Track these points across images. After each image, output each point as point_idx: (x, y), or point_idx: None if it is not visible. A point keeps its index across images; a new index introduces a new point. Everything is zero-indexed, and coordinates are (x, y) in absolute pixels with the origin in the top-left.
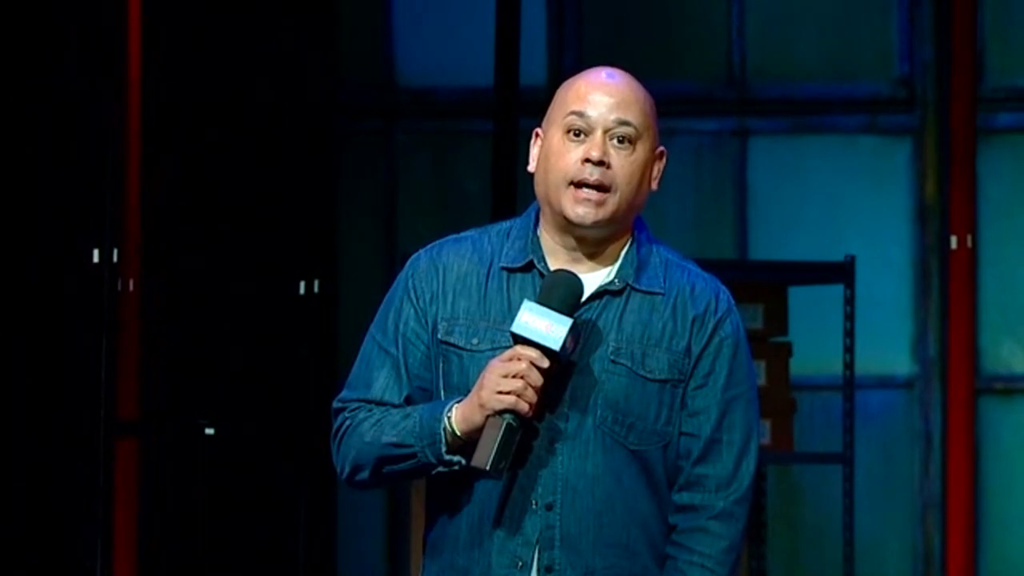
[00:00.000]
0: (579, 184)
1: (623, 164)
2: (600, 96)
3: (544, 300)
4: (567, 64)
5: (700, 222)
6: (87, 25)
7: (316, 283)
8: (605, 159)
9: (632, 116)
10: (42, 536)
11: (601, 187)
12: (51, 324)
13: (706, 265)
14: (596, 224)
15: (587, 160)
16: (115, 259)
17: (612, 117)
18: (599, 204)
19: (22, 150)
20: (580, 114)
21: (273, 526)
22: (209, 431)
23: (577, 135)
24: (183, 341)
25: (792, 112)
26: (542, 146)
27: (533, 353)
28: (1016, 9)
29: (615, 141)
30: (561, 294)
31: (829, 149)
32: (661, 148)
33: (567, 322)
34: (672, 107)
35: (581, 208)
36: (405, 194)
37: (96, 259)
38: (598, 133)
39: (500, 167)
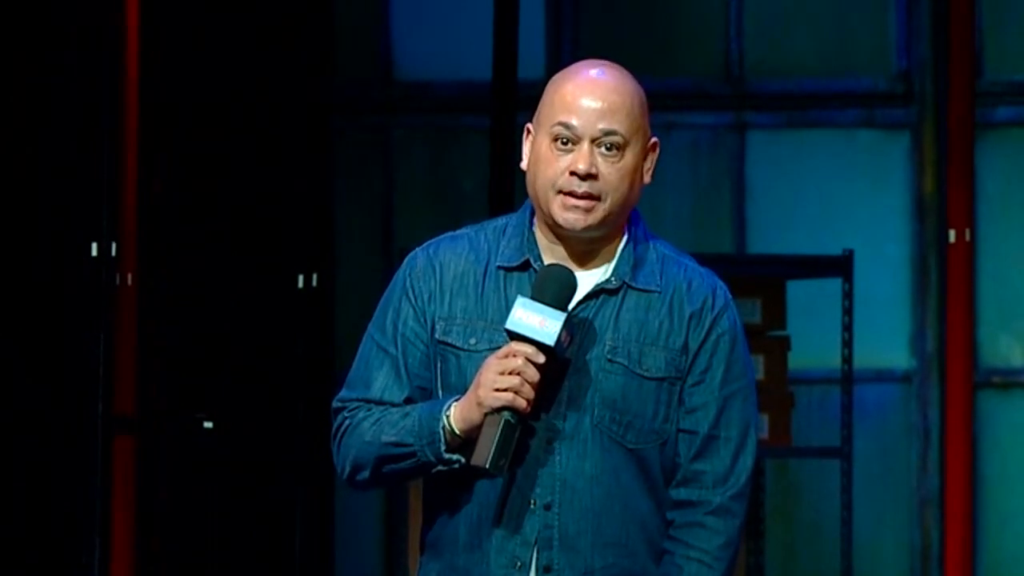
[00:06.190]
0: (568, 193)
1: (611, 172)
2: (587, 102)
3: (537, 295)
4: (565, 59)
5: (698, 217)
6: (87, 23)
7: (315, 277)
8: (592, 171)
9: (619, 123)
10: (40, 533)
11: (589, 197)
12: (49, 318)
13: (704, 259)
14: (586, 230)
15: (574, 173)
16: (113, 253)
17: (599, 127)
18: (588, 211)
19: (21, 144)
20: (566, 124)
21: (271, 523)
22: (207, 425)
23: (564, 144)
24: (181, 335)
25: (790, 107)
26: (532, 147)
27: (528, 349)
28: (1013, 4)
29: (603, 149)
30: (554, 289)
31: (827, 144)
32: (654, 140)
33: (561, 316)
34: (670, 102)
35: (570, 215)
36: (402, 189)
37: (95, 253)
38: (585, 145)
39: (497, 162)
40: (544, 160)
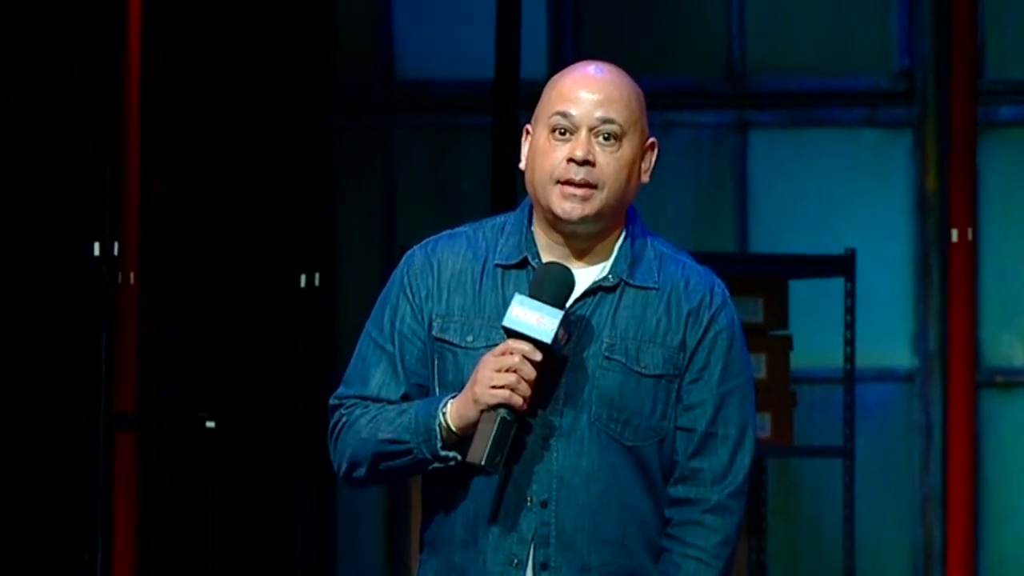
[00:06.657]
0: (565, 182)
1: (609, 161)
2: (585, 94)
3: (535, 293)
4: (567, 58)
5: (700, 216)
6: (87, 23)
7: (316, 276)
8: (590, 158)
9: (616, 113)
10: (41, 531)
11: (587, 184)
12: (51, 317)
13: (706, 258)
14: (583, 220)
15: (571, 160)
16: (115, 252)
17: (596, 115)
18: (585, 199)
19: (22, 144)
20: (564, 114)
21: (271, 523)
22: (210, 424)
23: (563, 134)
24: (183, 334)
25: (792, 106)
26: (530, 144)
27: (525, 347)
28: (1015, 3)
29: (600, 139)
30: (552, 287)
31: (829, 143)
32: (652, 140)
33: (558, 314)
34: (671, 101)
35: (567, 204)
36: (403, 188)
37: (97, 252)
38: (583, 132)
39: (499, 162)
40: (542, 152)
